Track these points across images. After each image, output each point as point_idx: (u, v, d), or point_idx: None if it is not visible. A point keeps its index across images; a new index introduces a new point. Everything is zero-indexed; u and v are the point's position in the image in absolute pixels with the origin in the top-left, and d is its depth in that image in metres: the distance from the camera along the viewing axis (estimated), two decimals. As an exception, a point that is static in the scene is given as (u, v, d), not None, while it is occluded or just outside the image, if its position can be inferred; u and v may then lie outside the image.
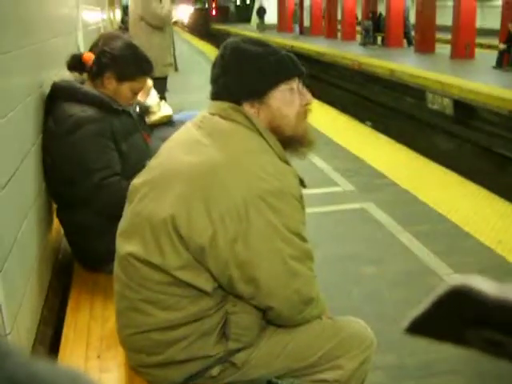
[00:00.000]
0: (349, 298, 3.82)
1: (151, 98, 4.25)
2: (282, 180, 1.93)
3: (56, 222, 3.30)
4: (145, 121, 4.08)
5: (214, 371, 2.11)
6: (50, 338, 2.75)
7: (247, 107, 2.04)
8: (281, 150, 2.03)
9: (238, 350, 2.09)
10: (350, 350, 2.17)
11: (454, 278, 0.45)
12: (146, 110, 4.15)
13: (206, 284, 1.94)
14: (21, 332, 2.38)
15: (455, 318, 0.46)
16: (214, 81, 2.12)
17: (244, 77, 2.05)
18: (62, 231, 3.29)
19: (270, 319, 2.12)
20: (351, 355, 2.16)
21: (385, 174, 6.27)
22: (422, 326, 0.48)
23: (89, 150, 2.85)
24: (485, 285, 0.45)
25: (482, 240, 4.67)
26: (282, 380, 2.75)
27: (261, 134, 2.01)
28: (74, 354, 2.40)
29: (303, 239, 2.01)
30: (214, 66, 2.13)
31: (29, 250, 2.69)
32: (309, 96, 2.11)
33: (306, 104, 2.10)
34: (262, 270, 1.92)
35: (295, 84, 2.08)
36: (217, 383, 2.17)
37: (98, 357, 2.37)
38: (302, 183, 2.08)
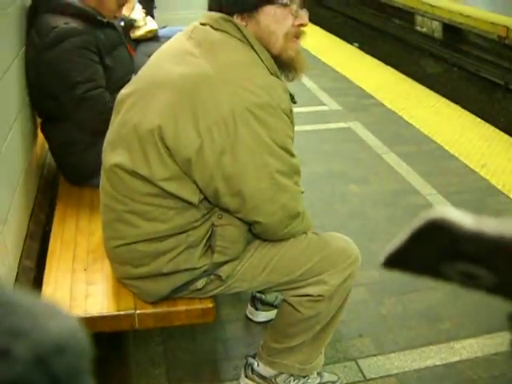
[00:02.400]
0: (334, 215, 3.85)
1: (136, 12, 4.15)
2: (272, 94, 1.90)
3: (40, 137, 3.27)
4: (129, 35, 4.00)
5: (200, 284, 2.13)
6: (36, 251, 2.76)
7: (238, 20, 1.99)
8: (272, 63, 1.99)
9: (224, 263, 2.12)
10: (335, 265, 2.19)
11: (431, 211, 0.45)
12: (130, 25, 4.06)
13: (193, 196, 1.93)
14: (8, 246, 2.39)
15: (432, 251, 0.46)
16: None
17: None
18: (47, 146, 3.26)
19: (255, 233, 2.13)
20: (336, 270, 2.19)
21: (372, 95, 6.22)
22: (399, 261, 0.48)
23: (72, 63, 2.79)
24: (461, 217, 0.44)
25: (467, 162, 4.69)
26: (266, 294, 2.81)
27: (252, 47, 1.96)
28: (60, 267, 2.41)
29: (291, 154, 1.99)
30: None
31: (14, 163, 2.67)
32: (304, 18, 2.01)
33: (300, 25, 2.01)
34: (249, 184, 1.91)
35: (291, 3, 1.99)
36: (202, 296, 2.20)
37: (85, 270, 2.39)
38: (293, 99, 2.05)
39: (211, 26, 1.98)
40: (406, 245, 0.47)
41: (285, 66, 2.04)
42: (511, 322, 0.48)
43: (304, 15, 2.01)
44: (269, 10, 1.97)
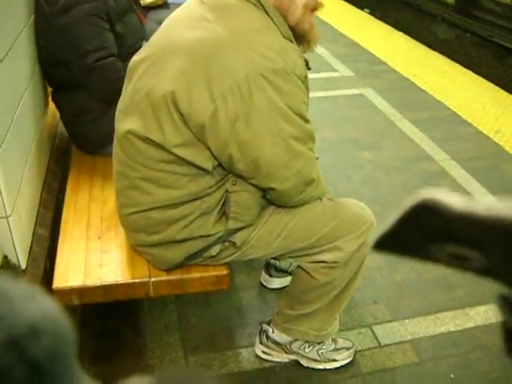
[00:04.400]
0: (348, 181, 3.84)
1: (145, -21, 4.10)
2: (287, 59, 1.86)
3: (51, 106, 3.25)
4: (139, 3, 3.96)
5: (214, 250, 2.13)
6: (50, 220, 2.76)
7: None
8: (286, 29, 1.95)
9: (238, 230, 2.11)
10: (350, 231, 2.18)
11: (421, 192, 0.43)
12: (140, -9, 4.01)
13: (207, 162, 1.92)
14: (21, 214, 2.39)
15: (422, 233, 0.45)
16: None
17: None
18: (58, 115, 3.25)
19: (270, 199, 2.11)
20: (351, 237, 2.18)
21: (384, 61, 6.15)
22: (390, 243, 0.47)
23: (83, 31, 2.74)
24: (451, 198, 0.43)
25: (480, 128, 4.65)
26: (280, 261, 2.81)
27: (266, 12, 1.92)
28: (74, 235, 2.41)
29: (306, 120, 1.96)
30: None
31: (26, 132, 2.66)
32: None
33: None
34: (263, 150, 1.89)
35: None
36: (216, 262, 2.20)
37: (99, 238, 2.39)
38: (307, 65, 2.01)
39: None
40: (396, 227, 0.45)
41: (298, 37, 2.01)
42: (501, 303, 0.47)
43: None
44: None
